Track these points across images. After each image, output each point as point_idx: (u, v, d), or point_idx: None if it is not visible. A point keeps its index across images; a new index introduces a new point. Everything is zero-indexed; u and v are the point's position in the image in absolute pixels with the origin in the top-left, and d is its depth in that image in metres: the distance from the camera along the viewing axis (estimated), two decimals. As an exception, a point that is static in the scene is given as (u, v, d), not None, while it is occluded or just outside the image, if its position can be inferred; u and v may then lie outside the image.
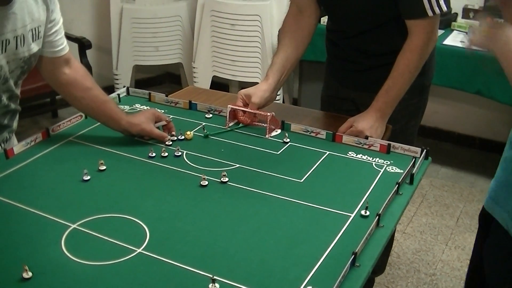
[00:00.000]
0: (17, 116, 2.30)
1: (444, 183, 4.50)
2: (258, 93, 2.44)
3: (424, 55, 2.40)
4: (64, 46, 2.26)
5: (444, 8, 2.31)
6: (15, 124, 2.29)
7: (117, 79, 5.32)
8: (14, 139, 2.33)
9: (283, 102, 5.01)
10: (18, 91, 2.21)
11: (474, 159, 4.88)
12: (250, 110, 2.42)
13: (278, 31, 2.65)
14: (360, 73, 2.63)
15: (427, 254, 3.67)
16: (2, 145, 2.22)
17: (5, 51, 2.00)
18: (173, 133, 2.32)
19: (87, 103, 2.28)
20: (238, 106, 2.44)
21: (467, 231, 3.86)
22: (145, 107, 2.58)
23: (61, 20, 2.23)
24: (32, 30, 2.06)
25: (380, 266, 3.31)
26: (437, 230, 3.90)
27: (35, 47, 2.11)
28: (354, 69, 2.64)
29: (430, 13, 2.29)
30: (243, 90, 2.48)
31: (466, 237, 3.78)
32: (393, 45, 2.44)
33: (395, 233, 3.79)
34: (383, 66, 2.43)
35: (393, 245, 3.63)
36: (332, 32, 2.70)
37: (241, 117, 2.44)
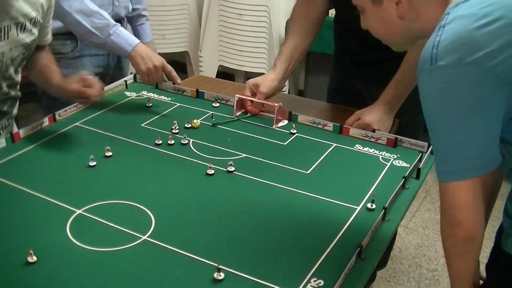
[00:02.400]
0: (17, 103, 2.30)
1: (448, 179, 4.49)
2: (266, 83, 2.44)
3: None
4: (50, 35, 2.34)
5: None
6: (15, 111, 2.29)
7: (123, 66, 5.31)
8: (14, 126, 2.33)
9: (289, 93, 5.00)
10: (18, 78, 2.21)
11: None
12: (257, 100, 2.41)
13: (287, 20, 2.63)
14: (368, 65, 2.62)
15: (429, 250, 3.67)
16: (1, 132, 2.21)
17: (8, 37, 1.99)
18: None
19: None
20: (246, 95, 2.43)
21: (469, 228, 3.85)
22: (152, 94, 2.58)
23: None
24: (33, 18, 2.06)
25: (382, 260, 3.30)
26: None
27: (36, 32, 2.11)
28: (362, 61, 2.63)
29: None
30: (251, 80, 2.47)
31: (468, 234, 3.77)
32: None
33: (398, 228, 3.78)
34: (391, 60, 2.42)
35: (395, 240, 3.62)
36: (340, 24, 2.69)
37: (249, 107, 2.44)
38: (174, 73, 2.58)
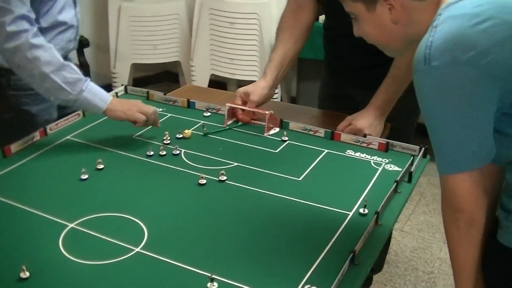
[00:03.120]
0: None
1: (442, 181, 4.49)
2: (256, 91, 2.44)
3: None
4: None
5: None
6: None
7: (115, 78, 5.30)
8: None
9: (281, 100, 5.00)
10: None
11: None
12: (248, 109, 2.41)
13: (277, 28, 2.63)
14: (359, 71, 2.62)
15: (425, 252, 3.67)
16: None
17: None
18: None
19: None
20: (237, 104, 2.43)
21: (465, 229, 3.86)
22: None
23: None
24: None
25: (378, 264, 3.30)
26: (435, 228, 3.89)
27: None
28: (353, 67, 2.63)
29: None
30: (241, 88, 2.47)
31: (464, 235, 3.77)
32: None
33: (393, 231, 3.79)
34: (383, 65, 2.43)
35: (391, 243, 3.62)
36: (330, 30, 2.69)
37: (240, 116, 2.44)
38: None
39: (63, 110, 2.50)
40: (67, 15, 2.40)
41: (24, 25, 2.07)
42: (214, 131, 2.35)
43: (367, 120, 2.35)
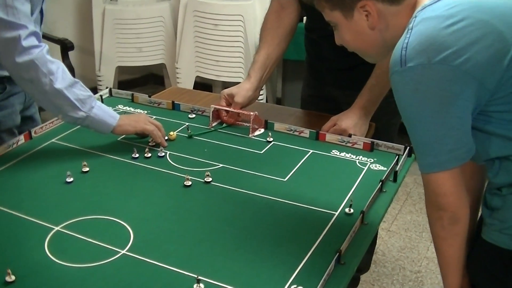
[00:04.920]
0: None
1: (428, 181, 4.51)
2: (241, 93, 2.44)
3: None
4: None
5: None
6: None
7: (100, 81, 5.29)
8: None
9: (267, 101, 5.00)
10: None
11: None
12: (233, 110, 2.41)
13: (260, 29, 2.63)
14: (341, 71, 2.63)
15: (412, 252, 3.68)
16: None
17: None
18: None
19: None
20: (222, 106, 2.43)
21: (451, 228, 3.87)
22: (128, 108, 2.58)
23: None
24: None
25: (365, 264, 3.31)
26: (422, 227, 3.90)
27: None
28: (335, 67, 2.64)
29: None
30: (226, 90, 2.47)
31: (450, 234, 3.79)
32: None
33: (380, 231, 3.80)
34: (365, 65, 2.43)
35: (378, 243, 3.63)
36: (312, 31, 2.69)
37: (225, 117, 2.44)
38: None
39: (24, 112, 2.51)
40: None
41: (36, 41, 2.04)
42: (200, 133, 2.35)
43: (352, 120, 2.36)
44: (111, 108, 2.28)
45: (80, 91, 2.13)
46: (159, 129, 2.27)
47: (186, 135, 2.33)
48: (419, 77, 1.46)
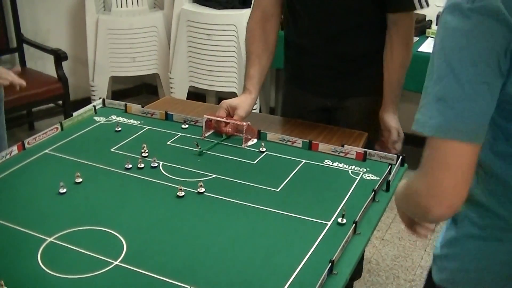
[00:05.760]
0: None
1: (421, 189, 4.52)
2: (244, 107, 2.45)
3: (411, 48, 2.51)
4: None
5: (428, 5, 2.40)
6: None
7: (93, 91, 5.29)
8: None
9: (260, 111, 5.01)
10: None
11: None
12: (226, 120, 2.41)
13: (246, 38, 2.64)
14: (334, 79, 2.63)
15: (406, 260, 3.68)
16: None
17: None
18: None
19: None
20: (221, 116, 2.42)
21: (445, 237, 3.88)
22: (121, 118, 2.58)
23: None
24: None
25: (357, 272, 3.31)
26: (416, 236, 3.91)
27: None
28: (327, 75, 2.63)
29: (417, 6, 2.37)
30: (227, 101, 2.47)
31: (444, 243, 3.79)
32: (368, 46, 2.52)
33: (374, 240, 3.81)
34: (357, 72, 2.46)
35: (372, 252, 3.64)
36: (304, 37, 2.65)
37: (224, 128, 2.43)
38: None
39: None
40: None
41: None
42: (208, 147, 2.34)
43: (396, 119, 2.55)
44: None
45: None
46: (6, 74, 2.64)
47: (198, 152, 2.30)
48: (483, 19, 1.23)
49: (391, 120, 2.55)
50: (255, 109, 4.49)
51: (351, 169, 2.18)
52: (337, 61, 2.55)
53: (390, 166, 2.14)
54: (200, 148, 2.31)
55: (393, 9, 2.40)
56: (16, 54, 5.06)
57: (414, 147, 2.35)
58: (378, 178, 2.10)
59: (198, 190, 2.00)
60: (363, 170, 2.18)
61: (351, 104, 2.62)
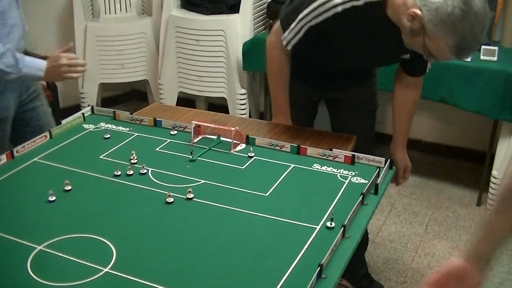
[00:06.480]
0: None
1: (412, 191, 4.53)
2: None
3: (421, 86, 2.75)
4: None
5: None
6: None
7: (83, 98, 5.28)
8: None
9: (250, 116, 5.01)
10: None
11: (441, 166, 4.92)
12: (214, 126, 2.42)
13: (269, 63, 2.61)
14: (334, 80, 2.72)
15: (397, 263, 3.69)
16: None
17: None
18: None
19: None
20: (202, 122, 2.43)
21: (436, 238, 3.89)
22: (110, 126, 2.58)
23: None
24: None
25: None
26: (407, 238, 3.92)
27: None
28: (329, 79, 2.72)
29: (427, 71, 2.57)
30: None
31: (435, 244, 3.81)
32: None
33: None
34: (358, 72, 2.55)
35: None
36: (324, 65, 2.67)
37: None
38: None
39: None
40: (12, 15, 2.57)
41: None
42: (200, 154, 2.35)
43: (405, 154, 2.82)
44: (40, 63, 2.60)
45: (7, 59, 2.47)
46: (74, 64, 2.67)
47: (190, 158, 2.31)
48: None
49: (402, 161, 2.80)
50: (244, 114, 4.49)
51: (339, 172, 2.19)
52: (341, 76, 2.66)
53: (378, 169, 2.15)
54: (193, 156, 2.31)
55: (413, 74, 2.62)
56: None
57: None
58: (366, 181, 2.11)
59: (187, 196, 2.01)
60: (351, 173, 2.18)
61: (351, 94, 2.79)
